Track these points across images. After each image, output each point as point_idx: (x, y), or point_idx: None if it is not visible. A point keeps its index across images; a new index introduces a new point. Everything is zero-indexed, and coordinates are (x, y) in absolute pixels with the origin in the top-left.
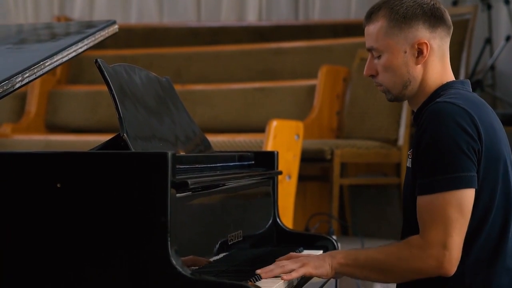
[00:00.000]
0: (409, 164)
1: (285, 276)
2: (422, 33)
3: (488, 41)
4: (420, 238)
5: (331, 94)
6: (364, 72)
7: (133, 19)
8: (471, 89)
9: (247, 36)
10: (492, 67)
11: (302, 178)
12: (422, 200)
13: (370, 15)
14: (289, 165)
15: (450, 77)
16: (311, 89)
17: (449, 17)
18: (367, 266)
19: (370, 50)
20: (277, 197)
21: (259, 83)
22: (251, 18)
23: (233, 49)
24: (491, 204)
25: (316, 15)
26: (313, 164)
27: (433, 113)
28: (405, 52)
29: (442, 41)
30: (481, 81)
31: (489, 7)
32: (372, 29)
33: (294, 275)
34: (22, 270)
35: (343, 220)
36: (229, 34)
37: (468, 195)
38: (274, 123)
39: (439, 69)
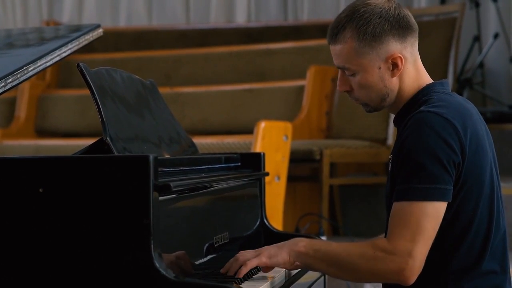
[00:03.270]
0: (390, 168)
1: (238, 274)
2: (394, 46)
3: (477, 38)
4: (387, 242)
5: (320, 94)
6: (338, 88)
7: (122, 23)
8: (450, 88)
9: (236, 37)
10: (481, 65)
11: (292, 178)
12: (396, 206)
13: (336, 35)
14: (278, 166)
15: (426, 78)
16: (300, 90)
17: (413, 19)
18: (327, 259)
19: (341, 68)
20: (264, 199)
21: (248, 84)
22: (240, 19)
23: (222, 51)
24: (475, 213)
25: (305, 15)
26: (303, 165)
27: (417, 122)
28: (379, 68)
29: (413, 47)
30: (470, 79)
31: (477, 4)
32: (340, 49)
33: (244, 270)
34: (4, 273)
35: (334, 220)
36: (218, 35)
37: (441, 208)
38: (262, 124)
39: (413, 74)
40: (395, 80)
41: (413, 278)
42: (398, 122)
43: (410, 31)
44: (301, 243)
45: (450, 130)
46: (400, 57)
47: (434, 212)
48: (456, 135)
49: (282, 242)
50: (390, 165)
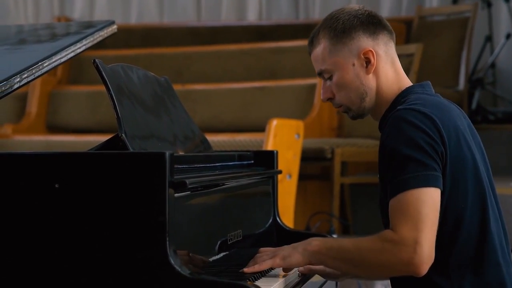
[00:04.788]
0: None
1: (245, 269)
2: (365, 42)
3: (489, 39)
4: (392, 232)
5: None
6: (321, 98)
7: (133, 19)
8: (433, 90)
9: (247, 35)
10: (493, 65)
11: (303, 177)
12: (393, 201)
13: (312, 41)
14: (289, 164)
15: (407, 82)
16: (312, 88)
17: (387, 23)
18: (340, 256)
19: (320, 74)
20: (277, 196)
21: (259, 82)
22: (251, 17)
23: (233, 49)
24: (465, 206)
25: (316, 14)
26: (314, 163)
27: (395, 120)
28: (354, 64)
29: (387, 46)
30: (481, 79)
31: (489, 5)
32: (317, 53)
33: (257, 268)
34: (20, 270)
35: (344, 218)
36: (229, 33)
37: (435, 193)
38: (274, 122)
39: (392, 75)
40: (371, 77)
41: (424, 266)
42: (382, 128)
43: (381, 29)
44: (314, 242)
45: (427, 122)
46: (371, 51)
47: (430, 198)
48: (435, 127)
49: (297, 243)
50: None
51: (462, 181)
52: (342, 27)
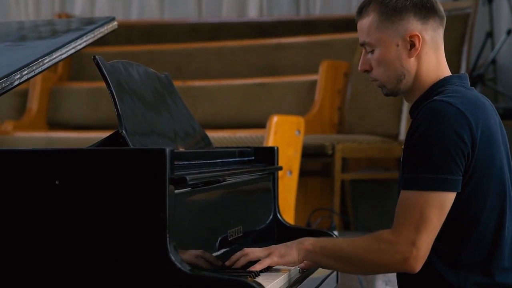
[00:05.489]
0: (402, 158)
1: (254, 266)
2: (414, 25)
3: (489, 35)
4: (390, 233)
5: (332, 89)
6: (359, 68)
7: (134, 16)
8: (469, 83)
9: (248, 31)
10: (494, 61)
11: (304, 173)
12: (403, 194)
13: (361, 10)
14: (290, 160)
15: (446, 71)
16: (312, 85)
17: (441, 8)
18: (334, 255)
19: (363, 45)
20: (277, 193)
21: (260, 78)
22: (252, 13)
23: (234, 45)
24: (484, 206)
25: (317, 10)
26: (315, 159)
27: (429, 111)
28: (397, 45)
29: (435, 32)
30: (482, 75)
31: (489, 1)
32: (363, 24)
33: (258, 267)
34: (21, 266)
35: (345, 215)
36: (230, 30)
37: (448, 198)
38: (275, 119)
39: (433, 62)
40: (412, 61)
41: (418, 266)
42: (413, 113)
43: (433, 14)
44: (307, 242)
45: (461, 120)
46: (418, 36)
47: (439, 202)
48: (467, 125)
49: (289, 242)
50: (402, 156)
51: (485, 183)
52: (394, 5)
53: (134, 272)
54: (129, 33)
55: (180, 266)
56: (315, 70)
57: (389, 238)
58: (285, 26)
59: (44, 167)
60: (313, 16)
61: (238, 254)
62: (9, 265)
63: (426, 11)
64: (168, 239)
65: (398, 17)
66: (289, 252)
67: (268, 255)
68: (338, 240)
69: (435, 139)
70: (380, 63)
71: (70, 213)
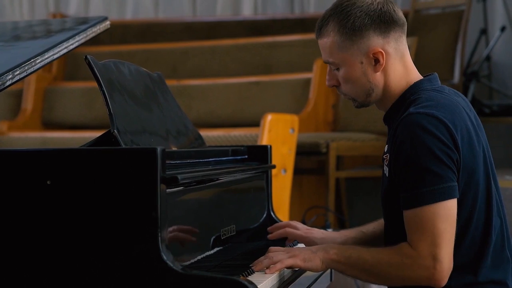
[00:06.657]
0: (385, 171)
1: (267, 270)
2: (375, 41)
3: (484, 31)
4: (411, 248)
5: (327, 87)
6: (326, 83)
7: (128, 15)
8: (439, 82)
9: (242, 30)
10: (488, 58)
11: (298, 171)
12: (409, 214)
13: (320, 29)
14: (284, 159)
15: (415, 75)
16: (307, 83)
17: (400, 14)
18: (358, 266)
19: (326, 62)
20: (271, 191)
21: (254, 77)
22: (247, 12)
23: (228, 44)
24: (473, 209)
25: (312, 8)
26: (309, 158)
27: (409, 126)
28: (362, 62)
29: (397, 42)
30: (477, 72)
31: None
32: (324, 43)
33: (278, 266)
34: (13, 265)
35: (340, 212)
36: (225, 28)
37: (453, 205)
38: (269, 117)
39: (400, 70)
40: (379, 75)
41: (444, 280)
42: (388, 121)
43: (393, 26)
44: (332, 251)
45: (442, 128)
46: (381, 52)
47: (447, 211)
48: (448, 132)
49: (314, 247)
50: (385, 167)
51: (473, 185)
52: (352, 25)
53: (126, 271)
54: (124, 32)
55: (172, 265)
56: (309, 68)
57: (411, 253)
58: (279, 25)
59: (35, 167)
60: (307, 14)
61: (262, 257)
62: (1, 264)
63: (386, 25)
64: (160, 238)
65: (358, 36)
66: (313, 258)
67: (291, 257)
68: (362, 251)
69: (424, 151)
70: (347, 81)
71: (62, 213)
